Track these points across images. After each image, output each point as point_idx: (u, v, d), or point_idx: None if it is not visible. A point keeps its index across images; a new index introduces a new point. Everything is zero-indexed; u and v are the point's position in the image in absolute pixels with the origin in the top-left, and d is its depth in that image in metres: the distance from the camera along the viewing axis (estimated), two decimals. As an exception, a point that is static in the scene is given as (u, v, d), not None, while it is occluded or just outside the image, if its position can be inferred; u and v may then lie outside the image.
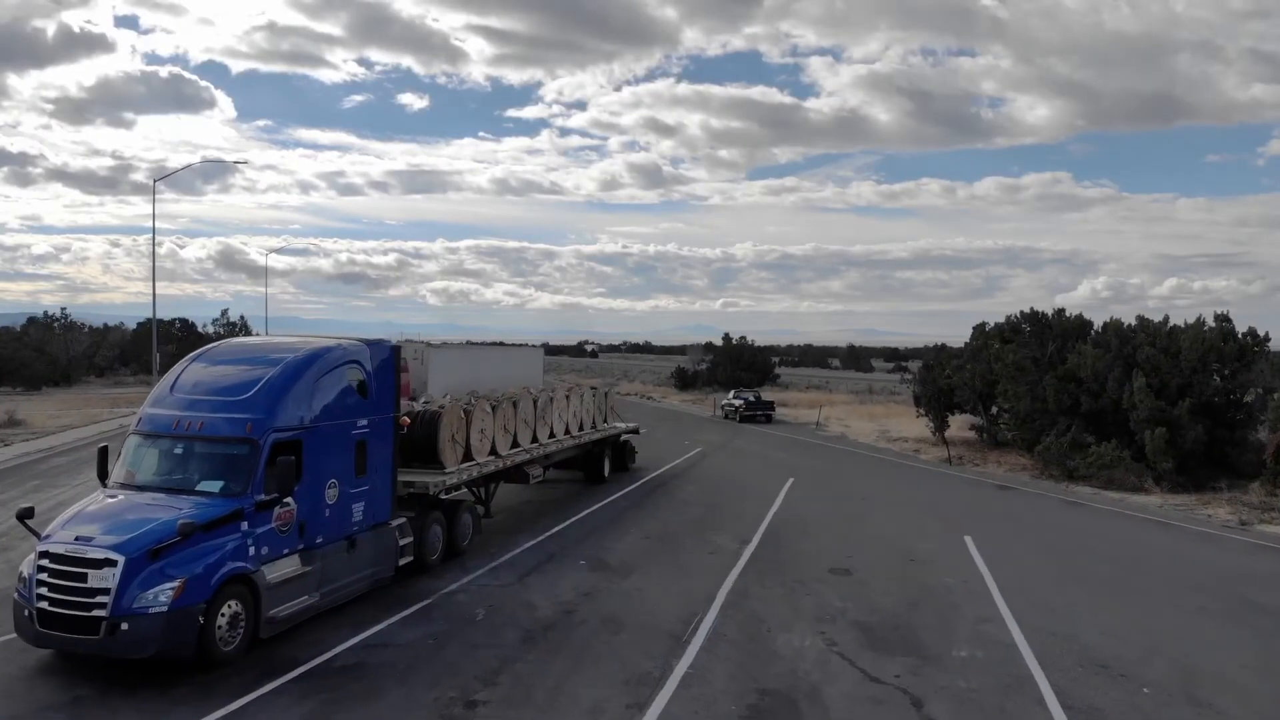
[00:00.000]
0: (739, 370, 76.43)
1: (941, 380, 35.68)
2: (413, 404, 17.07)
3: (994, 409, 35.24)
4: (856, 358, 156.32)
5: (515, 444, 19.11)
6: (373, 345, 13.84)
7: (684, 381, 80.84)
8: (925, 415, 36.41)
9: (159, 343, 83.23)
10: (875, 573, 15.13)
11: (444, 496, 15.86)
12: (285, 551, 11.60)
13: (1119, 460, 26.27)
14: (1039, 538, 18.93)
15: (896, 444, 36.71)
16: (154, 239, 52.47)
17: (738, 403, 46.67)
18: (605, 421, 25.78)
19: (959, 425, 36.99)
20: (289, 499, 11.52)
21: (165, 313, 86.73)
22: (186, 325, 78.55)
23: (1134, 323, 30.38)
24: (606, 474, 24.63)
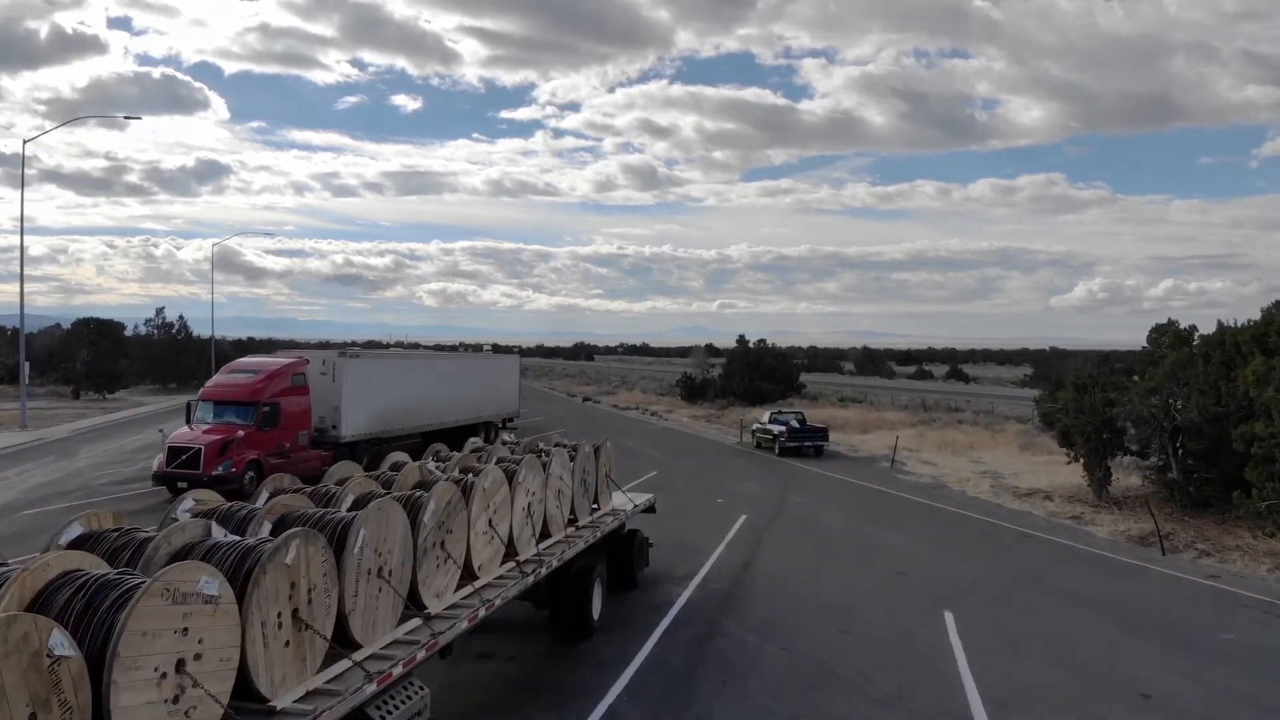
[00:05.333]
0: (757, 379, 64.41)
1: (1102, 408, 23.67)
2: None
3: (1179, 452, 23.30)
4: (873, 361, 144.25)
5: (348, 638, 6.99)
6: None
7: (692, 391, 68.89)
8: (1077, 459, 24.43)
9: (79, 347, 71.14)
10: None
11: None
12: None
13: None
14: None
15: (1032, 501, 24.64)
16: (22, 214, 40.53)
17: (777, 429, 34.55)
18: (595, 502, 13.74)
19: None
20: None
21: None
22: (102, 326, 66.24)
23: None
24: (597, 616, 12.45)
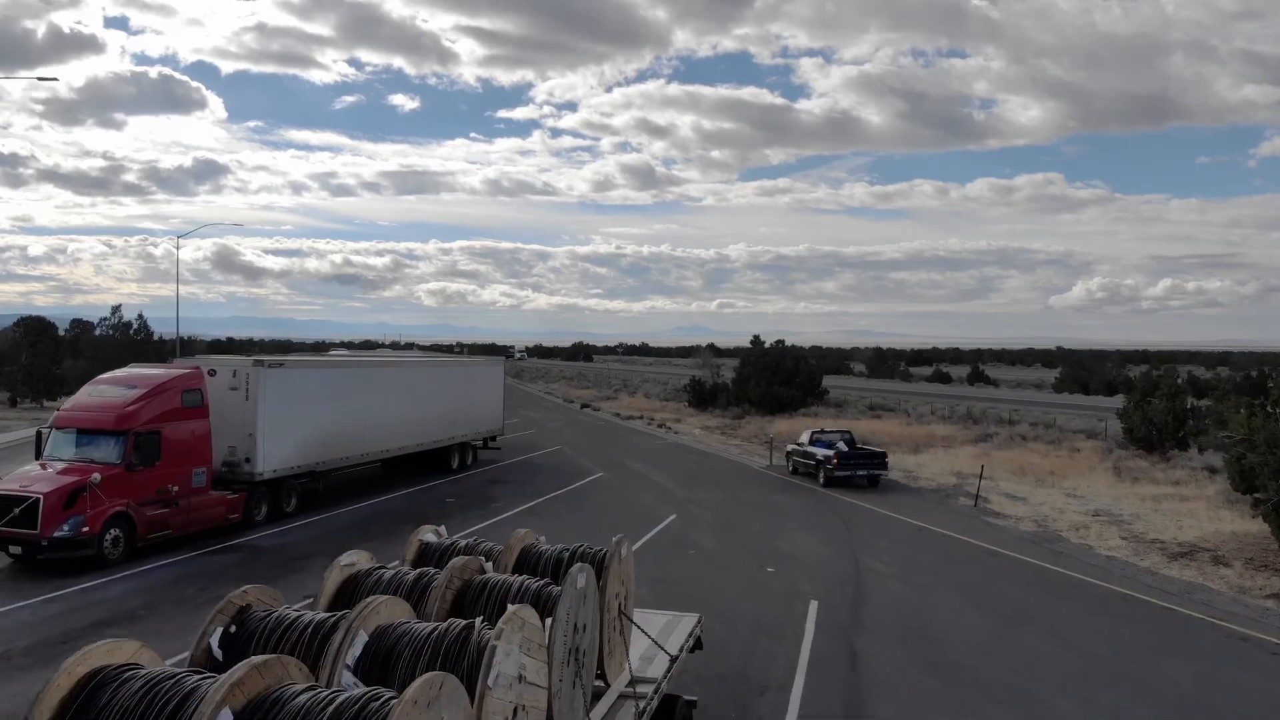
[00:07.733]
0: (775, 384, 57.79)
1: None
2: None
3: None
4: (884, 363, 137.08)
5: None
6: None
7: (701, 397, 62.36)
8: (1261, 508, 17.68)
9: (18, 346, 64.20)
10: None
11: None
12: None
13: None
14: None
15: (1198, 565, 17.82)
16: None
17: (821, 453, 27.74)
18: (600, 668, 7.05)
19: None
20: None
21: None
22: (42, 326, 59.33)
23: None
24: None
